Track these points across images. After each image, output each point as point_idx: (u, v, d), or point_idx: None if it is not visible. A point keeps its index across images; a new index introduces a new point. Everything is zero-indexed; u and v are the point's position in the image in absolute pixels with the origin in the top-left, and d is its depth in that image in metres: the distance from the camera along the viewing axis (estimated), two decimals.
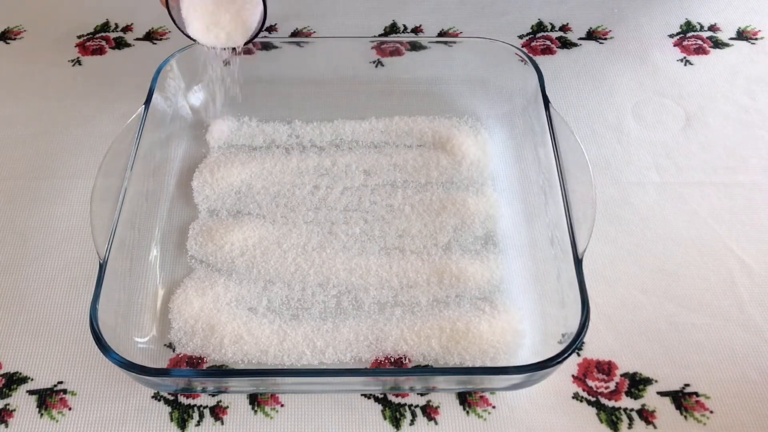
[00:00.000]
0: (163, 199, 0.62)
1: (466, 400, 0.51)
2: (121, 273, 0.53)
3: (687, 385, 0.52)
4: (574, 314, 0.48)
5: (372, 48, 0.72)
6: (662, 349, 0.54)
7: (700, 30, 0.78)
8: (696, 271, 0.58)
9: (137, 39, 0.78)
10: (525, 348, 0.53)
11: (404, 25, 0.79)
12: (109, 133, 0.65)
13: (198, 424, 0.51)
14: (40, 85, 0.73)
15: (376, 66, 0.72)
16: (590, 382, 0.52)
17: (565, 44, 0.77)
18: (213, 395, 0.52)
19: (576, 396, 0.52)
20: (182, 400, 0.52)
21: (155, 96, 0.62)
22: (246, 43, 0.60)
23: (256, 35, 0.60)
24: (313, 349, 0.53)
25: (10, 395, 0.52)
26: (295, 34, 0.79)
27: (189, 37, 0.60)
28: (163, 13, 0.81)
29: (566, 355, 0.46)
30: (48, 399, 0.52)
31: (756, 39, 0.77)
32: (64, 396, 0.52)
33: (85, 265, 0.58)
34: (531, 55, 0.71)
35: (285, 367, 0.52)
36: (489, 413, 0.51)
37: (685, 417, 0.50)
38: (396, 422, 0.51)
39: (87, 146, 0.67)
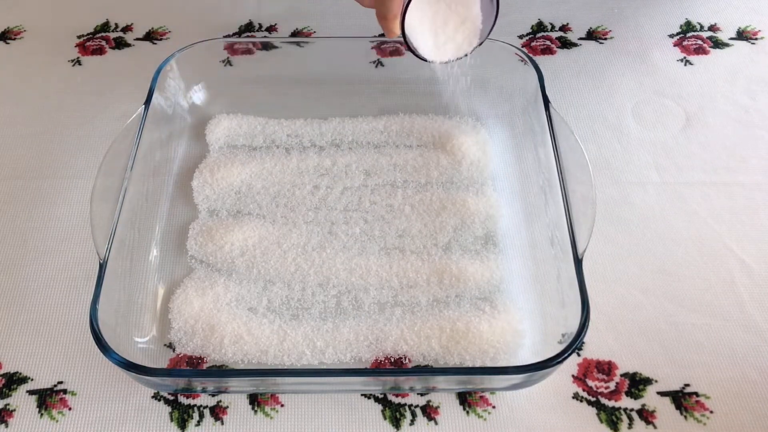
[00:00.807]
0: (163, 199, 0.62)
1: (466, 400, 0.51)
2: (121, 273, 0.53)
3: (687, 385, 0.52)
4: (574, 314, 0.48)
5: (372, 48, 0.72)
6: (662, 349, 0.54)
7: (700, 30, 0.78)
8: (696, 271, 0.58)
9: (137, 39, 0.78)
10: (525, 348, 0.53)
11: None
12: (109, 133, 0.65)
13: (198, 424, 0.51)
14: (40, 85, 0.73)
15: (376, 66, 0.72)
16: (590, 382, 0.52)
17: (565, 44, 0.77)
18: (213, 395, 0.52)
19: (576, 396, 0.52)
20: (182, 400, 0.52)
21: (155, 96, 0.62)
22: (476, 47, 0.57)
23: (487, 35, 0.56)
24: (313, 349, 0.53)
25: (10, 395, 0.52)
26: (295, 34, 0.79)
27: (422, 58, 0.56)
28: (163, 13, 0.82)
29: (566, 355, 0.46)
30: (48, 399, 0.52)
31: (756, 39, 0.77)
32: (64, 396, 0.52)
33: (85, 265, 0.58)
34: (531, 55, 0.71)
35: (285, 367, 0.52)
36: (489, 413, 0.51)
37: (685, 417, 0.50)
38: (396, 422, 0.51)
39: (87, 146, 0.67)
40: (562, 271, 0.52)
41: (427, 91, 0.69)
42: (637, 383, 0.52)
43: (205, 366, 0.53)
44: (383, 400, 0.52)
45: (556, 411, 0.51)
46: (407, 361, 0.53)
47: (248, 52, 0.70)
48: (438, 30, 0.54)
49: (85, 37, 0.78)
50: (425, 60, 0.56)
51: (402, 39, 0.53)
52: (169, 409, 0.51)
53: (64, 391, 0.52)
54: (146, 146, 0.59)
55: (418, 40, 0.54)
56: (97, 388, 0.52)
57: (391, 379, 0.50)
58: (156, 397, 0.52)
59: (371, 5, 0.54)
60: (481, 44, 0.56)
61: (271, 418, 0.51)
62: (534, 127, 0.62)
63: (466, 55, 0.56)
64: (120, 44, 0.78)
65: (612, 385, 0.52)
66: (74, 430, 0.50)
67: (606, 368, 0.53)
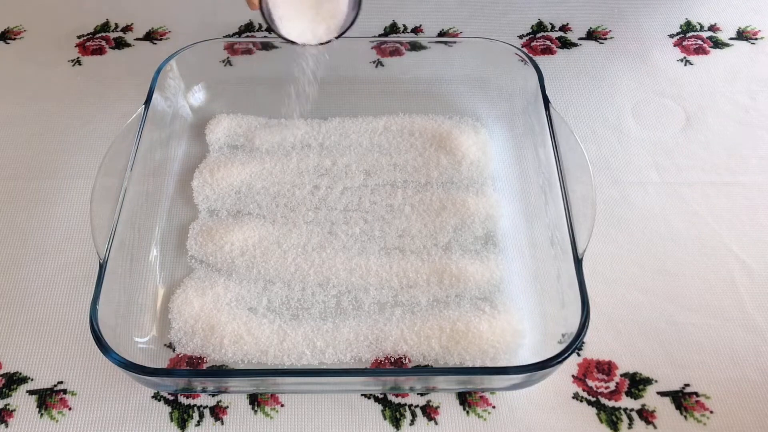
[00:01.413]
0: (163, 199, 0.62)
1: (466, 400, 0.51)
2: (121, 273, 0.53)
3: (687, 385, 0.52)
4: (574, 314, 0.48)
5: (372, 48, 0.72)
6: (662, 349, 0.54)
7: (700, 30, 0.78)
8: (696, 271, 0.58)
9: (137, 39, 0.78)
10: (525, 348, 0.53)
11: (404, 25, 0.79)
12: (109, 133, 0.65)
13: (198, 424, 0.51)
14: (40, 85, 0.73)
15: (376, 66, 0.72)
16: (590, 382, 0.52)
17: (565, 44, 0.77)
18: (213, 395, 0.52)
19: (576, 396, 0.52)
20: (182, 400, 0.52)
21: (155, 96, 0.62)
22: (339, 36, 0.58)
23: (351, 24, 0.57)
24: (313, 349, 0.53)
25: (10, 395, 0.52)
26: None
27: (283, 37, 0.57)
28: (163, 13, 0.82)
29: (566, 355, 0.46)
30: (48, 399, 0.52)
31: (756, 39, 0.77)
32: (64, 396, 0.52)
33: (85, 265, 0.58)
34: (531, 55, 0.71)
35: (285, 367, 0.52)
36: (489, 413, 0.51)
37: (685, 417, 0.50)
38: (396, 422, 0.51)
39: (87, 146, 0.67)
40: (562, 271, 0.52)
41: (427, 91, 0.69)
42: (637, 383, 0.52)
43: (205, 366, 0.53)
44: (383, 400, 0.52)
45: (556, 411, 0.51)
46: (407, 361, 0.53)
47: (248, 52, 0.70)
48: (301, 12, 0.56)
49: (85, 37, 0.78)
50: (288, 41, 0.57)
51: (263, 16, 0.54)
52: (169, 409, 0.51)
53: (64, 391, 0.52)
54: (146, 146, 0.59)
55: (286, 15, 0.56)
56: (97, 388, 0.52)
57: (391, 379, 0.50)
58: (156, 397, 0.52)
59: None
60: (341, 35, 0.57)
61: (271, 418, 0.51)
62: (534, 127, 0.62)
63: (327, 42, 0.57)
64: (120, 44, 0.78)
65: (612, 385, 0.52)
66: (74, 430, 0.50)
67: (606, 368, 0.53)
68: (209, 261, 0.58)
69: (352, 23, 0.57)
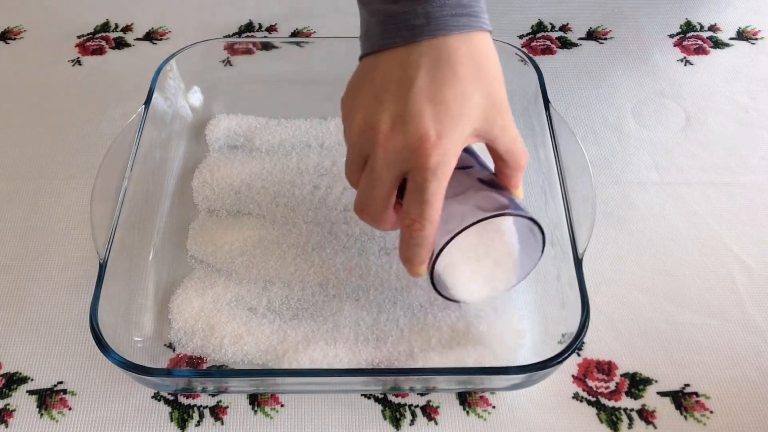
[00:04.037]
0: (163, 199, 0.62)
1: (466, 400, 0.51)
2: (121, 273, 0.53)
3: (687, 385, 0.52)
4: (574, 314, 0.48)
5: None
6: (662, 349, 0.54)
7: (700, 30, 0.78)
8: (696, 271, 0.58)
9: (137, 39, 0.78)
10: (525, 348, 0.53)
11: None
12: (109, 133, 0.65)
13: (198, 424, 0.51)
14: (40, 85, 0.73)
15: None
16: (590, 382, 0.52)
17: (565, 44, 0.77)
18: (213, 395, 0.52)
19: (576, 396, 0.52)
20: (182, 400, 0.52)
21: (155, 96, 0.62)
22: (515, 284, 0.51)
23: (529, 272, 0.51)
24: (314, 349, 0.52)
25: (10, 395, 0.52)
26: (295, 34, 0.79)
27: (454, 300, 0.51)
28: (163, 13, 0.82)
29: (566, 355, 0.46)
30: (48, 399, 0.52)
31: (756, 39, 0.77)
32: (64, 396, 0.52)
33: (85, 265, 0.58)
34: (531, 55, 0.71)
35: (285, 367, 0.52)
36: (489, 413, 0.51)
37: (685, 417, 0.50)
38: (396, 422, 0.51)
39: (87, 146, 0.67)
40: (562, 271, 0.52)
41: None
42: (637, 383, 0.52)
43: (205, 366, 0.53)
44: (383, 400, 0.52)
45: (556, 411, 0.51)
46: (407, 361, 0.52)
47: (248, 52, 0.70)
48: (469, 273, 0.50)
49: (85, 37, 0.78)
50: (456, 301, 0.51)
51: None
52: (169, 409, 0.51)
53: (64, 391, 0.52)
54: (146, 146, 0.59)
55: (451, 283, 0.49)
56: (97, 388, 0.52)
57: (391, 379, 0.50)
58: (156, 397, 0.52)
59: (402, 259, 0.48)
60: (519, 282, 0.51)
61: (271, 418, 0.51)
62: (534, 127, 0.62)
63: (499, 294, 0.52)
64: (120, 44, 0.78)
65: (612, 385, 0.52)
66: (74, 430, 0.50)
67: (606, 368, 0.53)
68: (209, 261, 0.58)
69: (538, 262, 0.50)
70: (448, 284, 0.50)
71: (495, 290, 0.51)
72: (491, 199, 0.47)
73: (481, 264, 0.50)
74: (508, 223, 0.49)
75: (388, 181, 0.45)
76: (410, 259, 0.47)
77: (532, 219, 0.47)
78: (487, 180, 0.48)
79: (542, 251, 0.49)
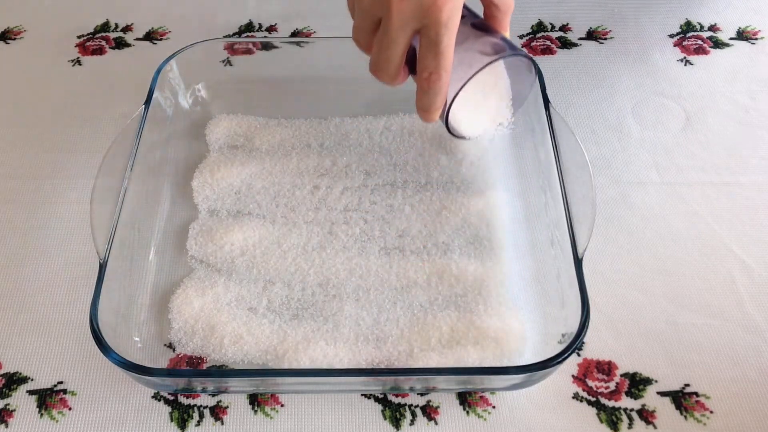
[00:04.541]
0: (163, 199, 0.62)
1: (466, 400, 0.51)
2: (121, 273, 0.53)
3: (687, 385, 0.52)
4: (574, 314, 0.48)
5: None
6: (662, 349, 0.54)
7: (700, 30, 0.78)
8: (696, 271, 0.58)
9: (137, 39, 0.78)
10: (525, 348, 0.53)
11: None
12: (109, 133, 0.65)
13: (198, 424, 0.51)
14: (40, 85, 0.73)
15: None
16: (590, 382, 0.52)
17: (565, 44, 0.77)
18: (213, 395, 0.52)
19: (576, 396, 0.52)
20: (182, 400, 0.52)
21: (155, 96, 0.62)
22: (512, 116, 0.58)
23: (525, 99, 0.58)
24: (314, 349, 0.52)
25: (10, 395, 0.52)
26: (295, 34, 0.79)
27: (462, 137, 0.57)
28: (163, 13, 0.82)
29: (566, 355, 0.46)
30: (48, 399, 0.52)
31: (756, 39, 0.77)
32: (64, 396, 0.52)
33: (85, 265, 0.58)
34: (531, 55, 0.71)
35: (285, 367, 0.52)
36: (489, 413, 0.51)
37: (685, 417, 0.50)
38: (396, 422, 0.51)
39: (87, 146, 0.67)
40: (562, 271, 0.52)
41: None
42: (637, 383, 0.52)
43: (205, 366, 0.53)
44: (383, 400, 0.52)
45: (556, 411, 0.51)
46: (407, 361, 0.52)
47: (248, 52, 0.70)
48: (475, 110, 0.55)
49: (85, 37, 0.78)
50: (465, 138, 0.57)
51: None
52: (169, 409, 0.51)
53: (64, 391, 0.52)
54: (146, 146, 0.59)
55: (459, 122, 0.55)
56: (97, 388, 0.52)
57: (391, 379, 0.50)
58: (156, 397, 0.52)
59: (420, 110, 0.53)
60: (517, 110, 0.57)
61: (271, 418, 0.51)
62: (534, 127, 0.62)
63: (501, 125, 0.57)
64: (120, 44, 0.78)
65: (612, 385, 0.52)
66: (74, 430, 0.50)
67: (606, 368, 0.53)
68: (209, 261, 0.58)
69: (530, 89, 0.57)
70: (458, 123, 0.55)
71: (496, 121, 0.57)
72: (490, 43, 0.51)
73: (485, 101, 0.55)
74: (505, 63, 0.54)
75: (402, 41, 0.48)
76: (427, 108, 0.51)
77: (528, 57, 0.53)
78: (479, 25, 0.52)
79: (532, 84, 0.56)
